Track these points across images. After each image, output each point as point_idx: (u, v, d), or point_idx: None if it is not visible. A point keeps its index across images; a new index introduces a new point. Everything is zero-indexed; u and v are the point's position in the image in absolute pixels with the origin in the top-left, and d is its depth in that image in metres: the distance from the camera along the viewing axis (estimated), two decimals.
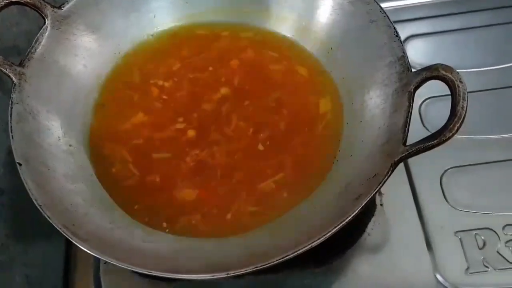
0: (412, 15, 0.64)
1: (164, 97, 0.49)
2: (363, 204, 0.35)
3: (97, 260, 0.49)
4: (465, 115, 0.35)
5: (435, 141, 0.35)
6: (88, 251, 0.35)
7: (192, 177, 0.45)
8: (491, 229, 0.48)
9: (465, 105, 0.35)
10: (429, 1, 0.65)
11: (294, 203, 0.43)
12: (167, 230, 0.42)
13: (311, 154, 0.46)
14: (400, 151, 0.36)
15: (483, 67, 0.58)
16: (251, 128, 0.47)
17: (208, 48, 0.53)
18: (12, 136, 0.40)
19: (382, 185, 0.36)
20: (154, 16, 0.53)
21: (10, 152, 0.43)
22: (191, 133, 0.47)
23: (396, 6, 0.65)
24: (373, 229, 0.49)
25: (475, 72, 0.57)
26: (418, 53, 0.60)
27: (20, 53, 0.53)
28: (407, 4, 0.65)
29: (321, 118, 0.48)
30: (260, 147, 0.46)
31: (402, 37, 0.59)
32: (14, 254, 0.45)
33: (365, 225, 0.49)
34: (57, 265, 0.52)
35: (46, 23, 0.46)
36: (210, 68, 0.51)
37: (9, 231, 0.46)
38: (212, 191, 0.44)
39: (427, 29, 0.63)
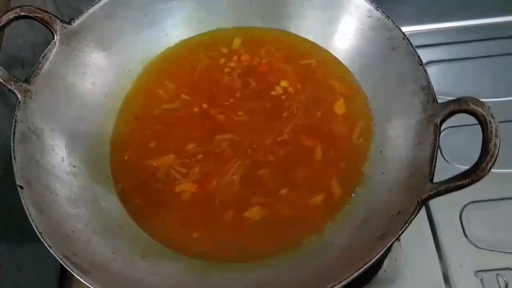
0: (431, 41, 0.62)
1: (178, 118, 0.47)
2: (387, 246, 0.33)
3: None
4: (498, 153, 0.33)
5: (467, 180, 0.33)
6: (90, 286, 0.33)
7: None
8: None
9: (497, 143, 0.33)
10: (447, 27, 0.64)
11: (307, 236, 0.40)
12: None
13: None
14: (427, 189, 0.34)
15: (505, 97, 0.56)
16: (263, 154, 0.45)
17: (223, 65, 0.50)
18: (14, 156, 0.38)
19: (409, 224, 0.33)
20: (166, 35, 0.51)
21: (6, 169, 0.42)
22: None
23: (414, 31, 0.63)
24: (389, 266, 0.46)
25: (496, 102, 0.56)
26: (436, 80, 0.58)
27: (24, 65, 0.52)
28: (425, 30, 0.64)
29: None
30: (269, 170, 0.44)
31: None
32: (6, 265, 0.43)
33: (381, 261, 0.46)
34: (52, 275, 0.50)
35: (55, 38, 0.45)
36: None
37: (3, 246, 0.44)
38: (223, 217, 0.42)
39: (446, 55, 0.61)
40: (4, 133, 0.43)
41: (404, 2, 0.63)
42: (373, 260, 0.32)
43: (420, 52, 0.60)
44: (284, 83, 0.48)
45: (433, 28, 0.64)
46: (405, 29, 0.61)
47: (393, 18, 0.45)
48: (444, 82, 0.60)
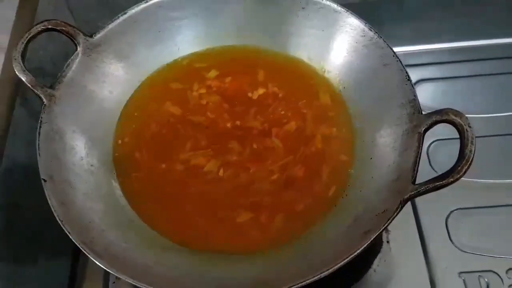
0: (423, 60, 0.67)
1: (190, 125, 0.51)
2: (371, 239, 0.36)
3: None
4: (473, 158, 0.37)
5: (444, 181, 0.37)
6: (105, 268, 0.37)
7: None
8: (495, 272, 0.49)
9: (473, 149, 0.37)
10: (439, 48, 0.68)
11: (301, 233, 0.44)
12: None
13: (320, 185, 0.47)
14: (409, 189, 0.38)
15: (490, 113, 0.60)
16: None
17: (230, 77, 0.54)
18: (39, 153, 0.42)
19: (391, 221, 0.37)
20: (178, 49, 0.55)
21: (27, 169, 0.46)
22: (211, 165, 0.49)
23: (407, 51, 0.68)
24: (379, 266, 0.50)
25: (483, 118, 0.59)
26: (427, 97, 0.62)
27: (45, 75, 0.56)
28: (417, 50, 0.68)
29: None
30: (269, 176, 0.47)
31: (412, 81, 0.62)
32: (21, 269, 0.47)
33: (371, 261, 0.50)
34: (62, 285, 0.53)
35: (78, 49, 0.49)
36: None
37: (19, 246, 0.47)
38: (222, 219, 0.46)
39: (437, 74, 0.65)
40: (29, 136, 0.47)
41: (399, 24, 0.67)
42: (358, 252, 0.36)
43: (414, 70, 0.65)
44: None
45: (426, 49, 0.68)
46: (400, 49, 0.67)
47: (389, 39, 0.49)
48: (436, 99, 0.64)
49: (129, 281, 0.36)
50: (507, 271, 0.49)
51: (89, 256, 0.37)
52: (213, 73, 0.55)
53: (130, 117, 0.52)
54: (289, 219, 0.45)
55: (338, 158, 0.48)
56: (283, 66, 0.55)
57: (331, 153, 0.49)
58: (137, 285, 0.36)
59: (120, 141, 0.50)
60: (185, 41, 0.56)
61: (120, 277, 0.36)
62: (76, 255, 0.55)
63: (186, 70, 0.55)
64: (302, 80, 0.54)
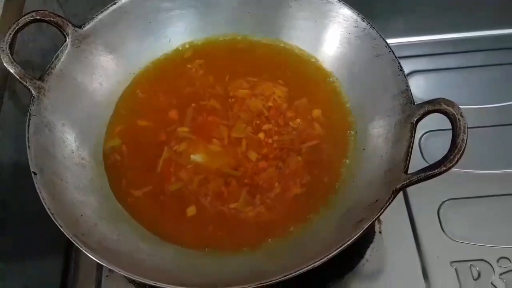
0: (415, 52, 0.67)
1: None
2: (364, 228, 0.37)
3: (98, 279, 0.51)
4: (465, 147, 0.37)
5: (436, 170, 0.37)
6: (97, 260, 0.37)
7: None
8: (486, 261, 0.49)
9: (465, 138, 0.37)
10: (431, 39, 0.68)
11: (296, 225, 0.44)
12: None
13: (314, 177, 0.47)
14: (402, 179, 0.38)
15: (482, 105, 0.60)
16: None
17: (221, 70, 0.54)
18: (28, 146, 0.42)
19: (384, 210, 0.37)
20: (169, 40, 0.55)
21: (16, 164, 0.45)
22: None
23: (400, 42, 0.68)
24: (371, 255, 0.50)
25: (474, 109, 0.60)
26: (420, 88, 0.62)
27: (34, 67, 0.55)
28: (410, 41, 0.68)
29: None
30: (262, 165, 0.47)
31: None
32: (14, 265, 0.46)
33: (364, 252, 0.50)
34: (55, 279, 0.53)
35: (67, 41, 0.48)
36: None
37: (11, 242, 0.47)
38: (219, 209, 0.45)
39: (429, 65, 0.65)
40: (17, 130, 0.46)
41: (392, 16, 0.67)
42: (350, 241, 0.36)
43: (406, 62, 0.65)
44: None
45: (418, 40, 0.68)
46: (393, 40, 0.66)
47: (382, 30, 0.49)
48: (428, 90, 0.64)
49: (122, 274, 0.36)
50: (498, 260, 0.49)
51: (81, 249, 0.37)
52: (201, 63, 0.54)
53: (122, 109, 0.51)
54: (283, 211, 0.45)
55: None
56: (276, 57, 0.55)
57: None
58: (130, 277, 0.36)
59: (112, 134, 0.50)
60: (177, 33, 0.55)
61: (113, 269, 0.36)
62: (69, 249, 0.55)
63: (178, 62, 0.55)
64: (296, 72, 0.53)
